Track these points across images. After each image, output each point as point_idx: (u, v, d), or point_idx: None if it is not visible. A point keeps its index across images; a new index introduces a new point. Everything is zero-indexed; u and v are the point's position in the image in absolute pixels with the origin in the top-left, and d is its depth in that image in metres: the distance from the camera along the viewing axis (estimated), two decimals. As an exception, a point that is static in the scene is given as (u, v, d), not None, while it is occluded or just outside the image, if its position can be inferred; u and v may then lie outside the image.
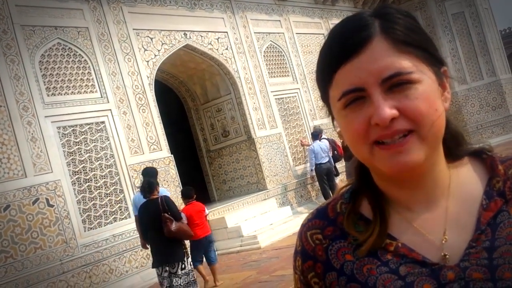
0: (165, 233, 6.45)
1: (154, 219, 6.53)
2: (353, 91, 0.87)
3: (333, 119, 0.97)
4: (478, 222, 0.89)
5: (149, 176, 7.57)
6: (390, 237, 0.93)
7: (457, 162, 0.97)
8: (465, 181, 0.95)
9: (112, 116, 9.86)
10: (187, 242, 7.31)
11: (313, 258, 1.01)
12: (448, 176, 0.94)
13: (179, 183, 10.75)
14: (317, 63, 0.96)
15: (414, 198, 0.94)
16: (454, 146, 0.97)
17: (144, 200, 6.82)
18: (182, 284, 6.53)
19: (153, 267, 6.79)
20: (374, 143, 0.87)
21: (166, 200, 6.71)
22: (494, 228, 0.88)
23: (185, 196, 8.12)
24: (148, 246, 7.10)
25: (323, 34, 16.11)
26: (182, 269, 6.59)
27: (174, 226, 6.49)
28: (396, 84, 0.85)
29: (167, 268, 6.53)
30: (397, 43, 0.86)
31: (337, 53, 0.89)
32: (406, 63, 0.85)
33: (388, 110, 0.84)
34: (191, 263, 6.87)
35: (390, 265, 0.91)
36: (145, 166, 9.22)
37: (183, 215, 7.23)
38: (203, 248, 7.90)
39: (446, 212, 0.92)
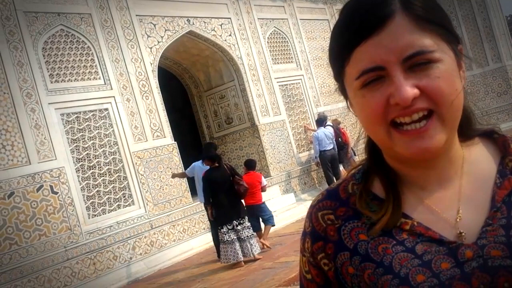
0: (241, 191, 8.06)
1: (224, 182, 8.03)
2: (373, 70, 0.85)
3: (346, 98, 0.96)
4: (493, 200, 0.89)
5: (209, 150, 8.99)
6: (404, 216, 0.93)
7: (469, 141, 0.97)
8: (477, 160, 0.95)
9: (116, 103, 9.84)
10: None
11: (323, 239, 1.00)
12: (462, 155, 0.94)
13: (182, 170, 10.74)
14: (331, 40, 0.93)
15: (428, 177, 0.93)
16: (466, 125, 0.96)
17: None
18: (249, 235, 8.07)
19: (222, 224, 8.01)
20: (391, 124, 0.86)
21: (231, 166, 8.42)
22: (509, 206, 0.88)
23: (247, 166, 9.38)
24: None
25: (327, 20, 16.00)
26: (248, 221, 8.18)
27: (246, 184, 8.16)
28: (417, 63, 0.83)
29: (237, 223, 7.99)
30: (418, 20, 0.84)
31: (357, 29, 0.86)
32: (428, 41, 0.83)
33: (410, 90, 0.82)
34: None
35: (406, 244, 0.90)
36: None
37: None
38: (255, 214, 8.89)
39: (459, 190, 0.92)
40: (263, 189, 9.20)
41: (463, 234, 0.87)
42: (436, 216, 0.91)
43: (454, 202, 0.91)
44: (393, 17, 0.83)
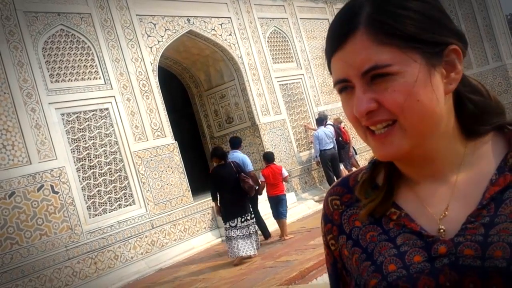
0: (246, 188, 8.13)
1: (230, 180, 8.17)
2: (341, 82, 0.90)
3: None
4: (483, 197, 0.88)
5: (235, 145, 9.65)
6: (396, 207, 0.96)
7: (479, 139, 0.95)
8: (481, 158, 0.94)
9: (116, 102, 9.85)
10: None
11: (331, 222, 1.07)
12: (462, 153, 0.94)
13: (183, 170, 10.76)
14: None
15: (422, 173, 0.95)
16: (472, 124, 0.96)
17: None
18: (252, 232, 8.22)
19: (226, 220, 8.22)
20: (366, 127, 0.91)
21: (237, 164, 8.48)
22: (499, 204, 0.86)
23: (266, 159, 9.72)
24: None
25: (327, 19, 15.99)
26: (252, 218, 8.31)
27: (251, 181, 8.20)
28: (377, 75, 0.86)
29: (240, 219, 8.11)
30: (379, 34, 0.86)
31: (329, 43, 0.92)
32: (385, 56, 0.85)
33: (365, 104, 0.86)
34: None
35: (390, 233, 0.94)
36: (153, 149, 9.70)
37: (260, 175, 9.28)
38: (276, 204, 9.36)
39: (454, 186, 0.92)
40: (285, 179, 9.58)
41: (442, 230, 0.88)
42: (424, 210, 0.93)
43: (445, 198, 0.92)
44: (354, 33, 0.87)
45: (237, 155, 9.40)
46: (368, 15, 0.87)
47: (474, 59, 18.69)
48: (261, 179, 9.19)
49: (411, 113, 0.86)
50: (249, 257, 8.20)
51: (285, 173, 9.56)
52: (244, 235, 8.14)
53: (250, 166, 9.25)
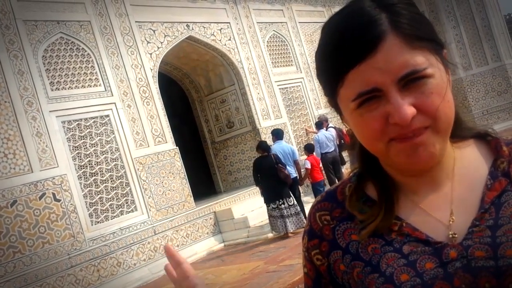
0: (283, 177, 9.39)
1: (270, 169, 9.44)
2: (369, 92, 0.85)
3: (339, 113, 0.97)
4: (482, 201, 0.90)
5: (280, 135, 10.85)
6: (396, 217, 0.95)
7: (461, 143, 0.98)
8: (470, 163, 0.96)
9: (117, 109, 9.86)
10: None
11: (319, 237, 1.05)
12: (453, 158, 0.96)
13: (184, 175, 10.77)
14: (320, 61, 0.93)
15: (420, 182, 0.95)
16: (456, 126, 0.96)
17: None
18: (292, 213, 9.46)
19: (267, 202, 9.63)
20: (390, 139, 0.87)
21: (276, 156, 9.75)
22: (498, 208, 0.88)
23: (308, 150, 11.29)
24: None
25: (326, 22, 16.00)
26: (292, 201, 9.56)
27: (286, 171, 9.49)
28: (411, 80, 0.84)
29: (281, 202, 9.41)
30: (408, 38, 0.84)
31: (349, 53, 0.85)
32: (420, 59, 0.84)
33: (408, 110, 0.83)
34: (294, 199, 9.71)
35: (394, 244, 0.92)
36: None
37: (307, 161, 10.80)
38: (321, 188, 10.81)
39: (451, 192, 0.93)
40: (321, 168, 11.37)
41: (456, 236, 0.88)
42: (427, 218, 0.93)
43: (446, 204, 0.92)
44: (384, 38, 0.83)
45: (285, 145, 10.68)
46: (390, 18, 0.85)
47: (473, 60, 18.69)
48: (307, 165, 10.66)
49: (444, 115, 0.86)
50: (287, 235, 9.42)
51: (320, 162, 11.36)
52: (282, 215, 9.38)
53: (297, 155, 10.62)
